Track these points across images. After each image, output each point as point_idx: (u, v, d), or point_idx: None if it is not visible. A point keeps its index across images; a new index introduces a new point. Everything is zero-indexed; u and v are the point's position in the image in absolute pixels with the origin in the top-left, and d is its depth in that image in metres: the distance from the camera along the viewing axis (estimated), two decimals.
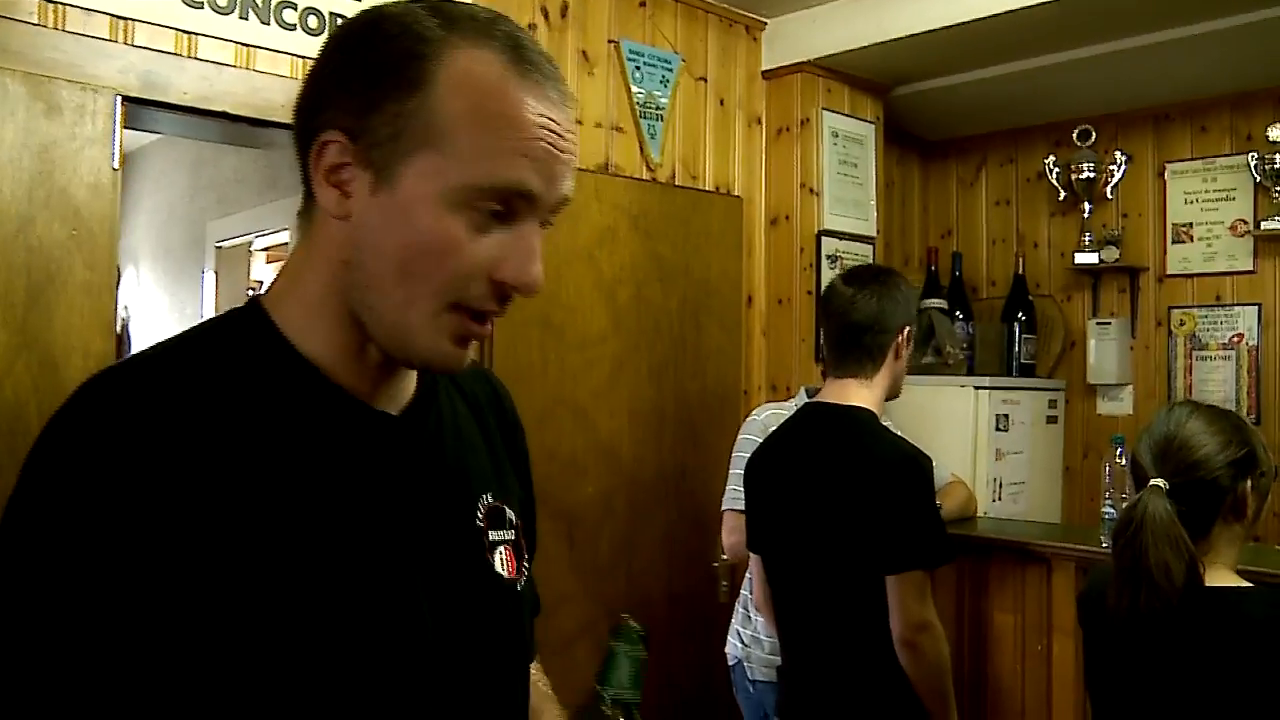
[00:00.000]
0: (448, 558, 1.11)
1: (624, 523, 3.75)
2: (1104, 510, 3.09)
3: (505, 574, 1.17)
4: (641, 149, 3.95)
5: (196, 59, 2.88)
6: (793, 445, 2.66)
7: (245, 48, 2.97)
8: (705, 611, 3.75)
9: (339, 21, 3.10)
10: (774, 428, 2.87)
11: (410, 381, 1.15)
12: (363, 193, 1.01)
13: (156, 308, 7.00)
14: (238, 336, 1.07)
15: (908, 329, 2.62)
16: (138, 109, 2.82)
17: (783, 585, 2.66)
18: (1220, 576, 1.98)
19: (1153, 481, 1.98)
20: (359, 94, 1.01)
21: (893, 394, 2.66)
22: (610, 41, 3.87)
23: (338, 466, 1.04)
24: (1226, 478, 1.98)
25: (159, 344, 1.07)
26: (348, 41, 1.05)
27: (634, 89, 3.92)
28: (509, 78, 1.00)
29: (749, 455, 2.83)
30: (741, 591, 3.33)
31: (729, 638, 3.37)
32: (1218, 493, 1.98)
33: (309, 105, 1.05)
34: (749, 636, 3.24)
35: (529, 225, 1.03)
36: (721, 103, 4.26)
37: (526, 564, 1.21)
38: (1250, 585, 2.00)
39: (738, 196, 4.28)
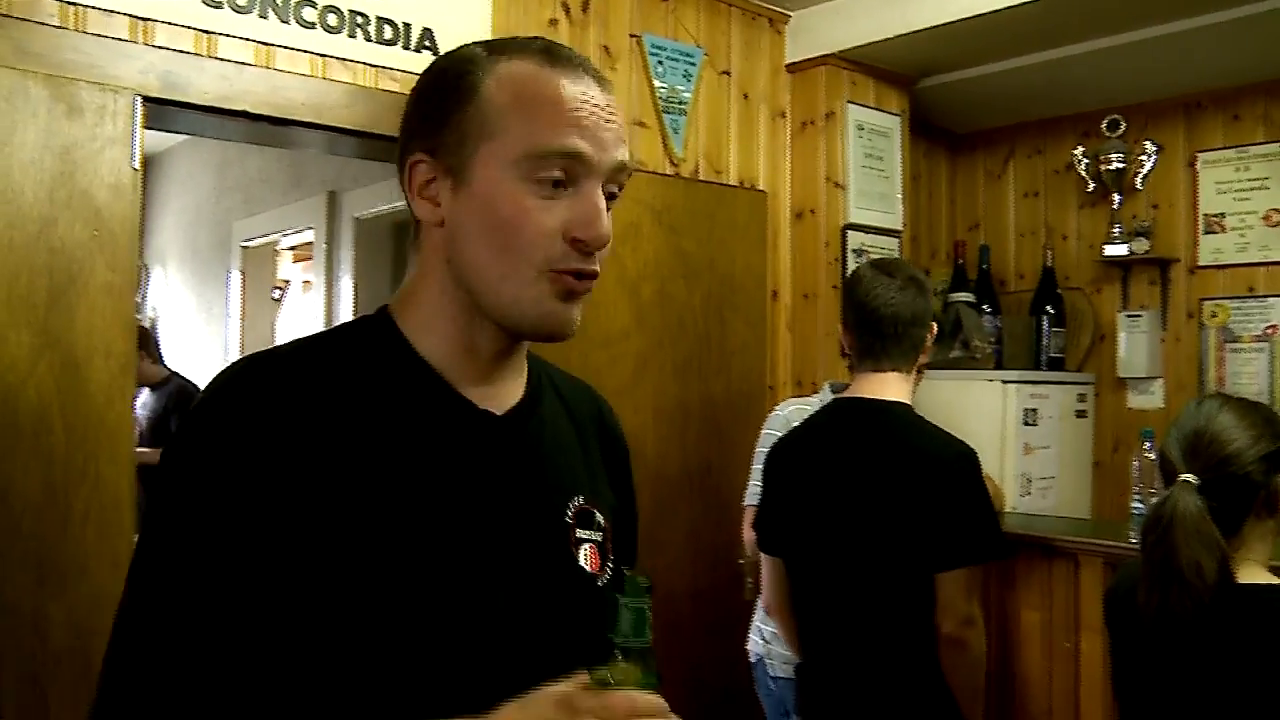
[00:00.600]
0: (534, 547, 1.23)
1: (648, 519, 3.67)
2: (1133, 505, 3.06)
3: (588, 568, 1.27)
4: (665, 144, 3.94)
5: (216, 58, 2.89)
6: (828, 441, 2.61)
7: (265, 46, 2.97)
8: (730, 608, 3.72)
9: (359, 20, 3.12)
10: (797, 422, 2.85)
11: (518, 386, 1.29)
12: (448, 197, 1.19)
13: (184, 308, 7.06)
14: (364, 336, 1.24)
15: (935, 323, 2.61)
16: (158, 109, 2.82)
17: (809, 583, 2.62)
18: (1253, 574, 1.95)
19: (1182, 477, 1.95)
20: (430, 117, 1.20)
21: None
22: (632, 36, 3.86)
23: (439, 455, 1.18)
24: (1259, 473, 1.95)
25: (298, 339, 1.25)
26: (420, 83, 1.25)
27: (657, 83, 3.91)
28: (544, 69, 1.17)
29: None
30: (763, 591, 3.32)
31: (750, 634, 3.36)
32: (1250, 488, 1.95)
33: (402, 144, 1.23)
34: (770, 634, 3.22)
35: (589, 186, 1.17)
36: (745, 97, 4.24)
37: (611, 563, 1.30)
38: None
39: (762, 191, 4.26)
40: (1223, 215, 4.68)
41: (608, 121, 1.18)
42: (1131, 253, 4.78)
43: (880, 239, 4.39)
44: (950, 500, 2.40)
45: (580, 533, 1.27)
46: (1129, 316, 4.82)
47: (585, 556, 1.27)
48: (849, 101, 4.34)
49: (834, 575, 2.53)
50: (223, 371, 1.17)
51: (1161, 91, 4.71)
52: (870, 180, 4.40)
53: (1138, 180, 4.85)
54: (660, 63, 3.92)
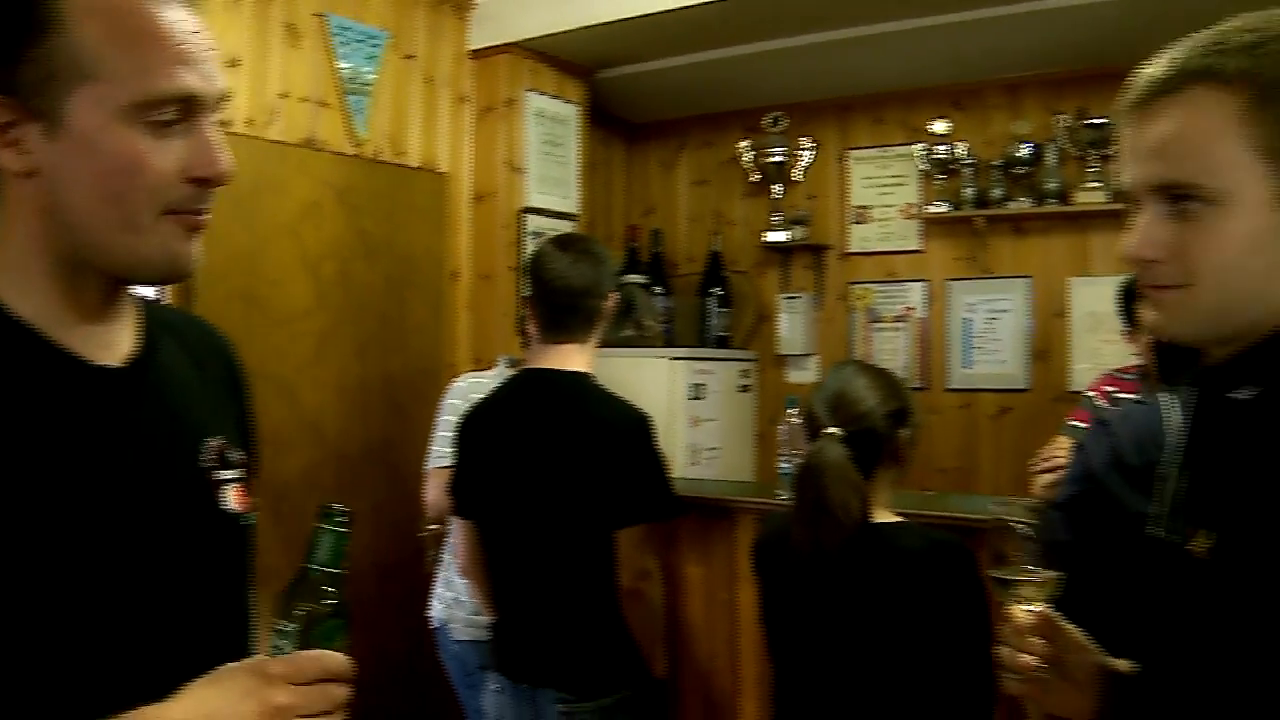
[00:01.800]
0: (173, 499, 1.16)
1: (330, 497, 3.73)
2: (780, 466, 3.33)
3: (236, 508, 1.23)
4: (347, 124, 3.95)
5: None
6: (515, 410, 2.72)
7: None
8: (414, 582, 3.80)
9: None
10: (476, 396, 2.96)
11: (129, 334, 1.19)
12: (40, 143, 1.06)
13: None
14: None
15: (613, 295, 2.75)
16: None
17: (502, 544, 2.73)
18: (881, 514, 2.25)
19: (827, 430, 2.21)
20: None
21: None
22: (316, 15, 3.85)
23: (56, 422, 1.08)
24: (886, 427, 2.25)
25: None
26: None
27: (341, 64, 3.92)
28: None
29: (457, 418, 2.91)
30: (443, 556, 3.42)
31: (432, 601, 3.45)
32: (879, 440, 2.24)
33: None
34: (451, 599, 3.33)
35: (203, 122, 1.10)
36: (429, 81, 4.31)
37: (256, 498, 1.28)
38: (904, 520, 2.27)
39: (443, 173, 4.35)
40: (869, 207, 5.14)
41: (208, 50, 1.11)
42: (791, 239, 5.17)
43: (557, 222, 4.56)
44: (628, 463, 2.60)
45: (221, 474, 1.23)
46: (788, 298, 5.22)
47: (231, 497, 1.23)
48: (529, 89, 4.49)
49: (524, 536, 2.66)
50: None
51: (818, 93, 5.10)
52: (549, 166, 4.57)
53: (796, 173, 5.25)
54: (345, 43, 3.93)
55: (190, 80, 1.08)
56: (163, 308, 1.34)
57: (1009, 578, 1.33)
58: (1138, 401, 2.43)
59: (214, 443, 1.23)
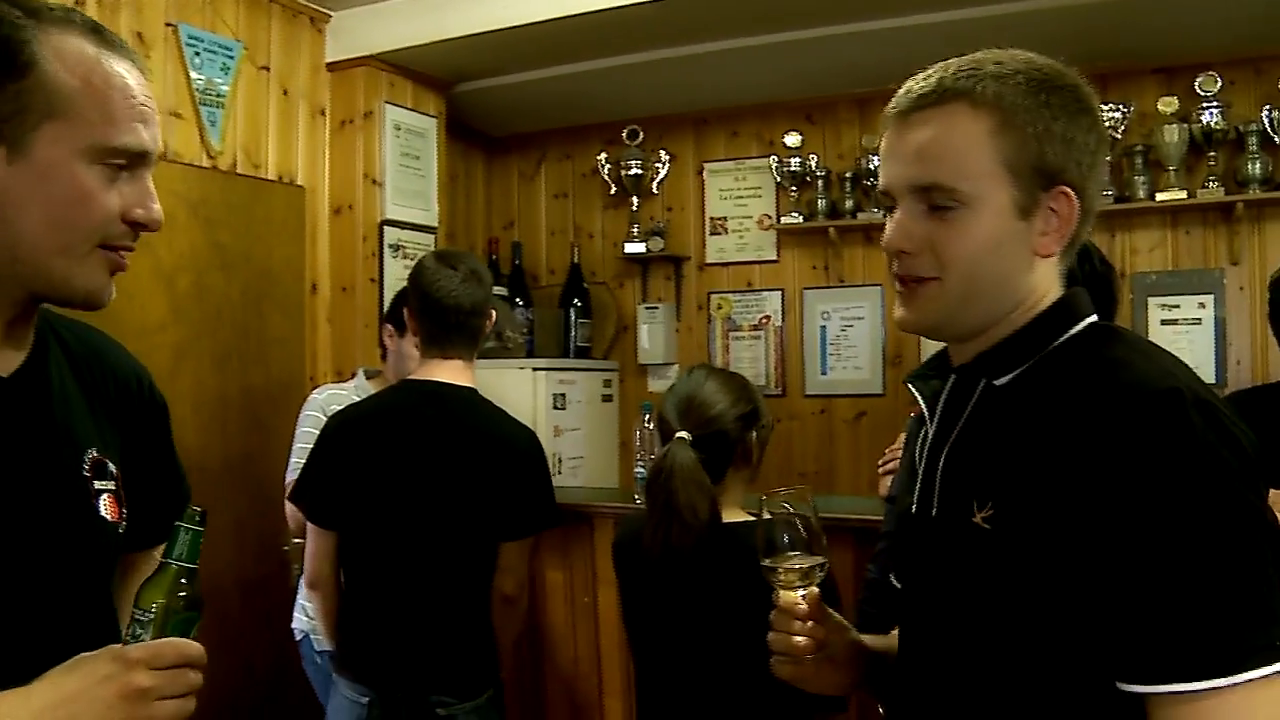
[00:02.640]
0: (53, 504, 1.28)
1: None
2: (636, 470, 3.40)
3: (109, 517, 1.34)
4: (201, 136, 3.90)
5: None
6: (398, 421, 2.72)
7: None
8: (278, 595, 3.77)
9: None
10: (335, 407, 2.96)
11: (22, 348, 1.31)
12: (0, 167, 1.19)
13: None
14: None
15: (493, 313, 2.81)
16: None
17: (375, 556, 2.71)
18: (733, 514, 2.31)
19: (678, 434, 2.27)
20: None
21: None
22: (168, 25, 3.79)
23: None
24: (736, 430, 2.31)
25: None
26: None
27: (193, 75, 3.86)
28: (102, 53, 1.23)
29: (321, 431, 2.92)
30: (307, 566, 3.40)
31: (295, 613, 3.44)
32: (730, 443, 2.30)
33: None
34: (314, 610, 3.31)
35: (145, 173, 1.27)
36: (285, 93, 4.28)
37: (126, 510, 1.38)
38: (756, 519, 2.32)
39: (300, 186, 4.32)
40: (725, 219, 5.26)
41: (155, 112, 1.28)
42: (649, 251, 5.26)
43: (417, 235, 4.58)
44: (522, 478, 2.68)
45: (98, 484, 1.34)
46: (648, 309, 5.30)
47: (105, 506, 1.34)
48: (387, 102, 4.49)
49: (403, 547, 2.66)
50: None
51: (674, 107, 5.21)
52: (407, 178, 4.58)
53: (654, 185, 5.35)
54: (197, 54, 3.87)
55: (144, 137, 1.25)
56: (63, 321, 1.44)
57: (778, 565, 1.43)
58: None
59: (94, 454, 1.35)
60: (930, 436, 1.38)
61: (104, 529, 1.34)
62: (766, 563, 1.45)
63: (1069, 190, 1.24)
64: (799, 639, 1.40)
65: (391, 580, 2.70)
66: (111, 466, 1.37)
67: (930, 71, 1.30)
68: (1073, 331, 1.27)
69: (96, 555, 1.34)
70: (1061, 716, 1.17)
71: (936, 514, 1.31)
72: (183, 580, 1.21)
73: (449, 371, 2.71)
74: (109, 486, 1.36)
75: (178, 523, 1.23)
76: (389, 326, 3.48)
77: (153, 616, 1.18)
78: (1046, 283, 1.29)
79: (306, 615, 3.37)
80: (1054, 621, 1.15)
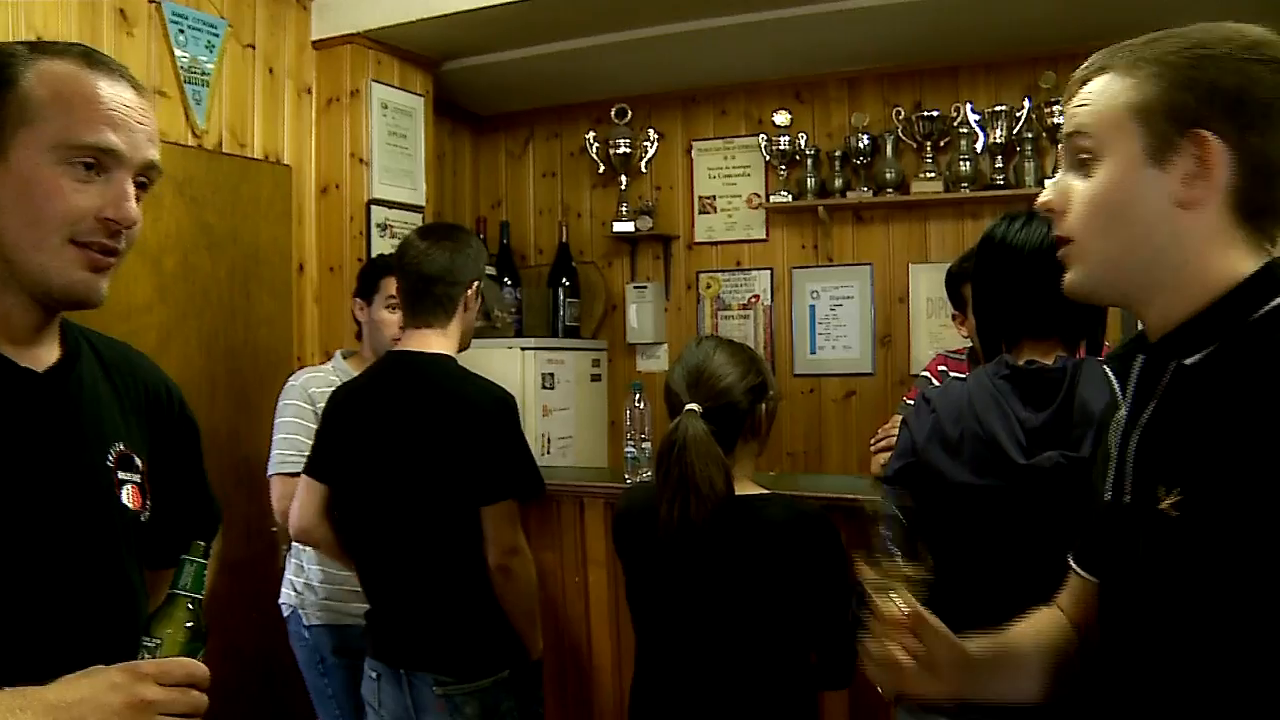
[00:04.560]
0: (80, 490, 1.37)
1: None
2: (626, 450, 3.39)
3: (130, 505, 1.43)
4: (186, 115, 3.87)
5: None
6: (380, 390, 2.75)
7: None
8: (266, 575, 3.74)
9: None
10: (315, 389, 2.98)
11: (55, 347, 1.41)
12: None
13: None
14: None
15: (476, 283, 2.79)
16: None
17: (367, 529, 2.75)
18: (744, 487, 2.29)
19: (688, 406, 2.25)
20: None
21: (463, 345, 2.82)
22: (151, 1, 3.75)
23: None
24: (746, 402, 2.29)
25: None
26: None
27: (178, 53, 3.82)
28: (83, 72, 1.33)
29: (305, 414, 2.91)
30: (293, 544, 3.38)
31: (283, 589, 3.42)
32: (740, 415, 2.29)
33: None
34: (302, 585, 3.31)
35: (121, 175, 1.33)
36: (271, 71, 4.24)
37: (150, 500, 1.47)
38: (768, 492, 2.31)
39: (287, 165, 4.29)
40: (714, 198, 5.25)
41: (140, 122, 1.35)
42: (637, 230, 5.24)
43: (404, 214, 4.55)
44: (488, 441, 2.63)
45: (122, 474, 1.43)
46: (636, 288, 5.29)
47: (128, 495, 1.43)
48: (374, 80, 4.46)
49: (386, 516, 2.69)
50: None
51: (663, 85, 5.19)
52: (394, 157, 4.55)
53: (643, 164, 5.32)
54: (181, 31, 3.84)
55: (111, 138, 1.31)
56: (93, 332, 1.54)
57: (880, 575, 1.37)
58: (957, 378, 2.55)
59: (120, 448, 1.44)
60: (1123, 420, 1.31)
61: (123, 513, 1.42)
62: (871, 573, 1.37)
63: (1209, 135, 1.15)
64: (898, 652, 1.34)
65: (379, 553, 2.74)
66: (138, 461, 1.46)
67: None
68: (1272, 305, 1.17)
69: (115, 538, 1.41)
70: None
71: (1130, 502, 1.26)
72: (189, 607, 1.30)
73: (420, 340, 2.74)
74: (133, 479, 1.45)
75: (183, 556, 1.31)
76: (358, 300, 3.50)
77: (160, 643, 1.26)
78: (1224, 249, 1.20)
79: (294, 590, 3.35)
80: (1253, 616, 1.09)
